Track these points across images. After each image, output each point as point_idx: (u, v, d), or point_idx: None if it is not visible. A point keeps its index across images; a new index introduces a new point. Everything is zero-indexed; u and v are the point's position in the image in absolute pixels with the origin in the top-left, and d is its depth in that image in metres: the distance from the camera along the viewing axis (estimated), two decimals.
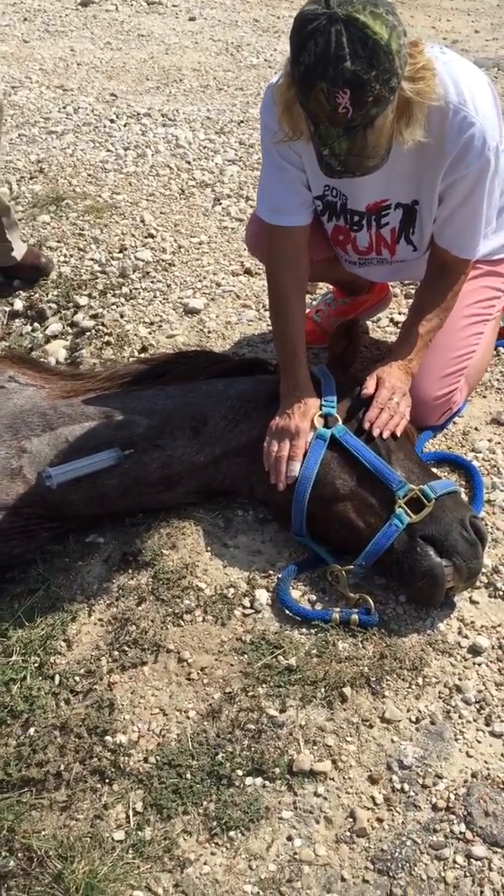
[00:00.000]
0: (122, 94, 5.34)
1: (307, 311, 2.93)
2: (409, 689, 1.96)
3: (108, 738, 1.88)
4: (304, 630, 2.10)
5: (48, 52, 6.08)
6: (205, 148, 4.56)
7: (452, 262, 2.32)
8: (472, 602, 2.16)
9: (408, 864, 1.66)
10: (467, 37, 6.60)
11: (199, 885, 1.65)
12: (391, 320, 3.19)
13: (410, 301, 3.18)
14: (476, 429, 2.68)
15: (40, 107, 5.11)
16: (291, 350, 2.37)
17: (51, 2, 7.17)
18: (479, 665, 2.01)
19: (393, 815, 1.74)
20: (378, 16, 1.72)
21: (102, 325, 3.23)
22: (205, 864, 1.68)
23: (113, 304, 3.35)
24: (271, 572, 2.24)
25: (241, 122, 4.88)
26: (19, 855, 1.70)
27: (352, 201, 2.34)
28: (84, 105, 5.12)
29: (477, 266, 2.49)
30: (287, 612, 2.12)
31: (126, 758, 1.85)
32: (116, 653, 2.06)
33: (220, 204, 4.01)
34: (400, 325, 3.04)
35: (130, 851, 1.70)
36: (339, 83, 1.73)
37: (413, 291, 3.23)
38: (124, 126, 4.84)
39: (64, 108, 5.09)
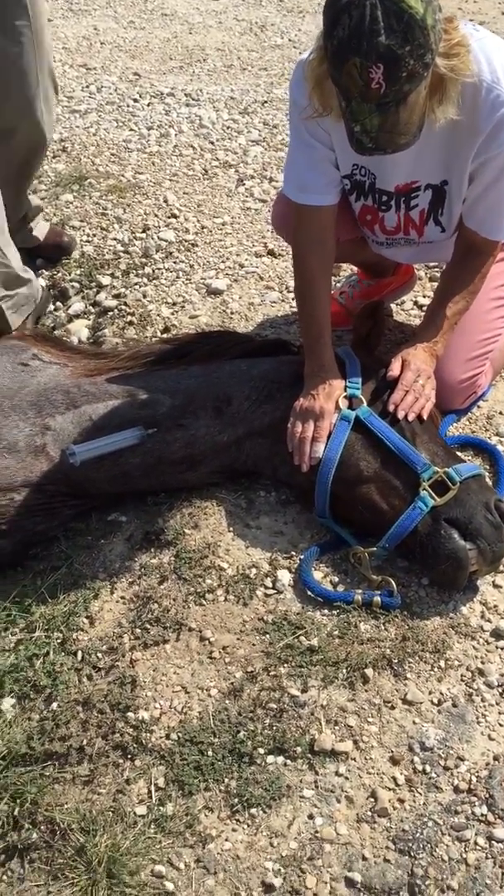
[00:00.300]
0: (146, 74, 5.30)
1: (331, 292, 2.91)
2: (432, 672, 1.96)
3: (130, 714, 1.89)
4: (326, 611, 2.09)
5: (71, 30, 6.04)
6: (228, 128, 4.53)
7: (481, 243, 2.30)
8: (496, 586, 2.15)
9: (429, 845, 1.66)
10: (494, 18, 6.50)
11: (220, 861, 1.66)
12: (415, 303, 3.17)
13: (435, 284, 3.15)
14: (500, 413, 2.65)
15: (63, 85, 5.08)
16: (317, 331, 2.35)
17: None
18: (502, 649, 2.00)
19: (414, 795, 1.74)
20: None
21: (125, 304, 3.23)
22: (226, 840, 1.69)
23: (135, 284, 3.34)
24: (293, 553, 2.23)
25: (265, 102, 4.84)
26: (42, 827, 1.71)
27: (381, 181, 2.32)
28: (107, 84, 5.10)
29: None
30: (309, 593, 2.12)
31: (148, 734, 1.85)
32: (138, 630, 2.06)
33: (244, 185, 3.98)
34: (424, 308, 3.02)
35: (152, 826, 1.71)
36: (372, 58, 1.70)
37: (438, 274, 3.20)
38: (147, 105, 4.81)
39: (87, 87, 5.06)
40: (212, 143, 4.38)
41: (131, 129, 4.53)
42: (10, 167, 3.10)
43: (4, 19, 2.81)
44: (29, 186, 3.36)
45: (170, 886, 1.62)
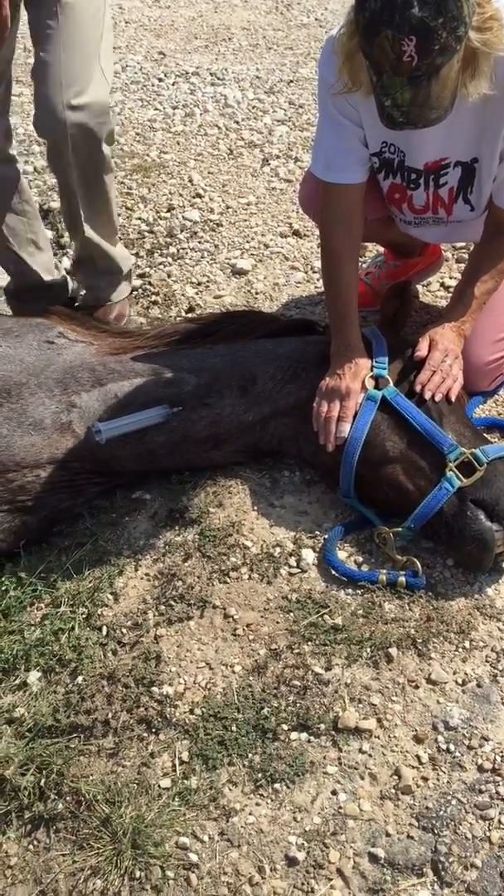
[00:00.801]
0: (171, 53, 5.28)
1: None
2: (456, 652, 1.95)
3: (154, 688, 1.90)
4: (350, 590, 2.09)
5: None
6: (254, 108, 4.50)
7: None
8: None
9: (453, 823, 1.66)
10: None
11: (243, 835, 1.67)
12: (442, 284, 3.14)
13: (461, 265, 3.12)
14: None
15: None
16: (343, 310, 2.34)
17: None
18: None
19: (438, 774, 1.75)
20: None
21: (150, 284, 3.23)
22: (250, 814, 1.70)
23: (160, 263, 3.34)
24: (318, 533, 2.23)
25: (291, 81, 4.80)
26: (68, 798, 1.73)
27: (409, 158, 2.29)
28: (132, 63, 5.08)
29: None
30: (333, 572, 2.12)
31: (172, 709, 1.87)
32: (163, 607, 2.07)
33: (269, 164, 3.96)
34: (451, 289, 2.99)
35: (176, 799, 1.72)
36: (405, 30, 1.68)
37: (465, 255, 3.17)
38: (172, 85, 4.79)
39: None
40: (237, 122, 4.35)
41: (156, 109, 4.51)
42: (82, 177, 2.74)
43: (39, 25, 2.53)
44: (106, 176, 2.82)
45: (194, 858, 1.63)
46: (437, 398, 2.20)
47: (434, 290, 3.15)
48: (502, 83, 1.96)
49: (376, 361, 2.28)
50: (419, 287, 3.12)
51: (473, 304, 2.32)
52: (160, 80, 4.85)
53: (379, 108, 1.85)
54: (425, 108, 1.81)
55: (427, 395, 2.19)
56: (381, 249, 3.13)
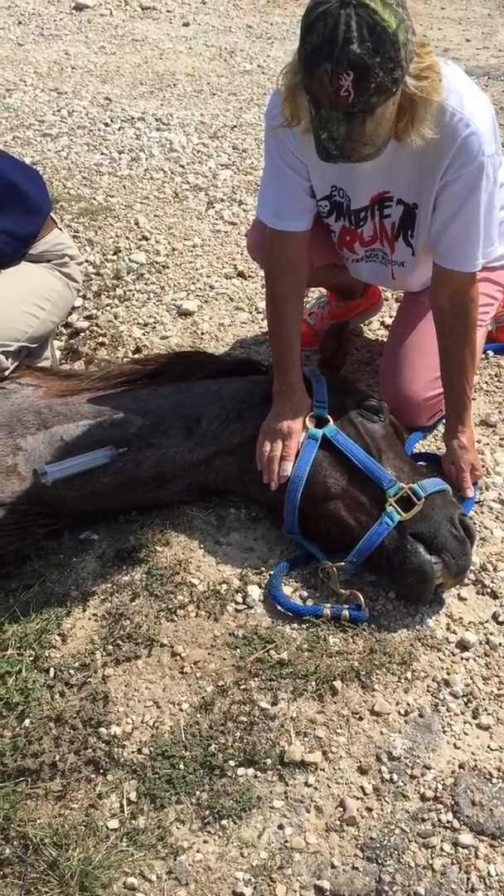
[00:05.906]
0: (117, 98, 5.38)
1: None
2: (399, 683, 2.00)
3: (102, 729, 1.91)
4: (295, 625, 2.13)
5: (42, 55, 6.11)
6: (198, 152, 4.61)
7: (452, 279, 2.29)
8: (461, 598, 2.20)
9: (396, 852, 1.70)
10: (458, 45, 6.68)
11: (191, 872, 1.68)
12: (382, 323, 3.24)
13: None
14: None
15: (35, 109, 5.14)
16: (285, 352, 2.41)
17: (45, 6, 7.20)
18: (467, 660, 2.06)
19: (382, 804, 1.78)
20: (388, 5, 1.76)
21: (97, 326, 3.27)
22: (197, 851, 1.72)
23: (107, 305, 3.39)
24: (263, 569, 2.27)
25: (235, 126, 4.93)
26: (15, 843, 1.73)
27: (354, 202, 2.38)
28: (78, 108, 5.16)
29: None
30: (279, 607, 2.16)
31: (120, 749, 1.88)
32: (111, 647, 2.09)
33: (214, 207, 4.06)
34: (389, 327, 3.08)
35: (124, 839, 1.73)
36: (343, 64, 1.76)
37: (403, 295, 3.28)
38: (118, 130, 4.88)
39: (58, 111, 5.12)
40: (182, 166, 4.45)
41: (102, 153, 4.59)
42: None
43: None
44: None
45: None
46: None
47: (374, 328, 3.25)
48: (440, 129, 2.05)
49: (317, 401, 2.35)
50: (362, 325, 3.22)
51: (466, 400, 2.45)
52: (106, 124, 4.94)
53: (315, 141, 1.92)
54: (359, 143, 1.88)
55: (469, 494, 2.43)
56: (325, 291, 3.23)
